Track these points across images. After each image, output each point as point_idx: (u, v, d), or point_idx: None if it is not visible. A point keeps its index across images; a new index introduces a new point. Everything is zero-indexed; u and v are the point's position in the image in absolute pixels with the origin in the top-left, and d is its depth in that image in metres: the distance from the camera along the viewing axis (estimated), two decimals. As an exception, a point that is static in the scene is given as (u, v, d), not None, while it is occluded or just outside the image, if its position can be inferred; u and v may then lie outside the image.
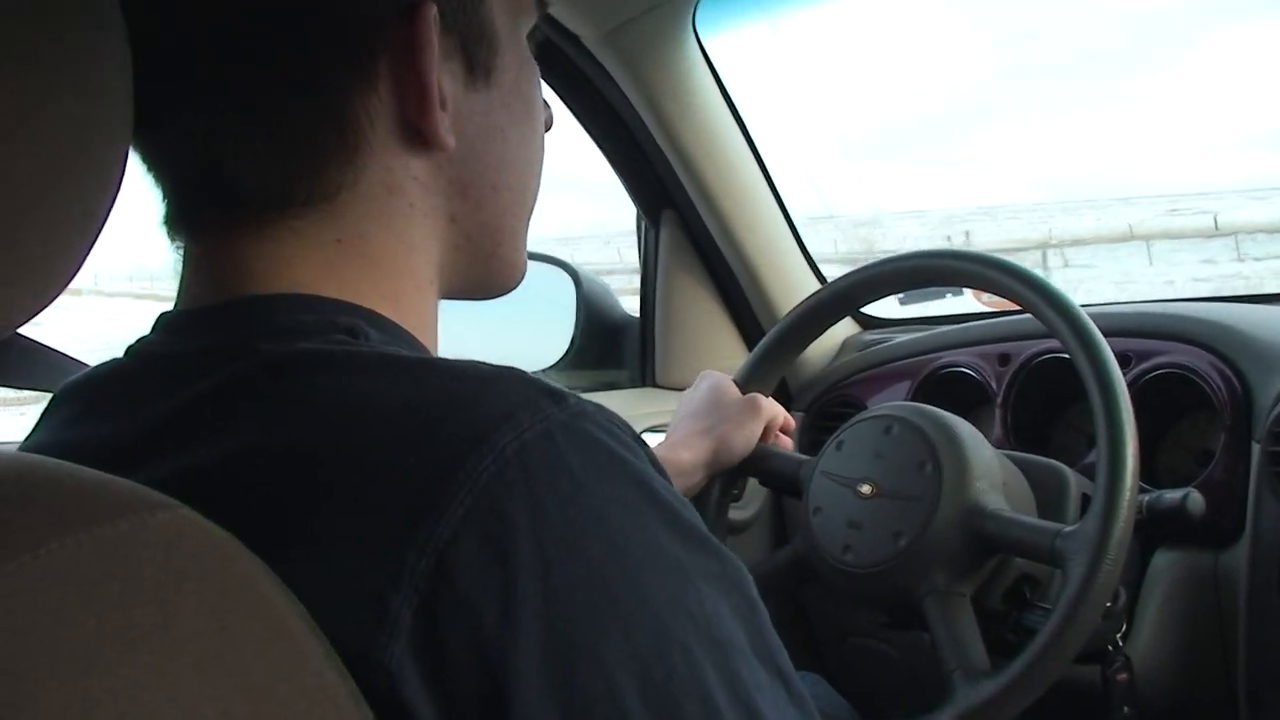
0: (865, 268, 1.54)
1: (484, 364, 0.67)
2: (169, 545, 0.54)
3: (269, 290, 0.73)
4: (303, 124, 0.72)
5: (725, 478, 1.56)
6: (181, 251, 0.78)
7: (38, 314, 0.62)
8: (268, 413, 0.66)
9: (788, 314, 1.59)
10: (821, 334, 1.63)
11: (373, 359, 0.68)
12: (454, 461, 0.60)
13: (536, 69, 0.86)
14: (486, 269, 0.85)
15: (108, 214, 0.63)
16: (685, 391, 1.58)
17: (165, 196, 0.77)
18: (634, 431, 0.68)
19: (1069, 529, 1.22)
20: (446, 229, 0.80)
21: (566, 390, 0.66)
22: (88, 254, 0.63)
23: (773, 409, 1.54)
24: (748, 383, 1.56)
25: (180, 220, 0.77)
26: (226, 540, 0.57)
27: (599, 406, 0.66)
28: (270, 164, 0.72)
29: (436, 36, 0.73)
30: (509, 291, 0.90)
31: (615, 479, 0.63)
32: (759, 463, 1.54)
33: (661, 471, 0.67)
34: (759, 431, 1.52)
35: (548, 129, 0.89)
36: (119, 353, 0.79)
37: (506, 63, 0.80)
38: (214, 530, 0.57)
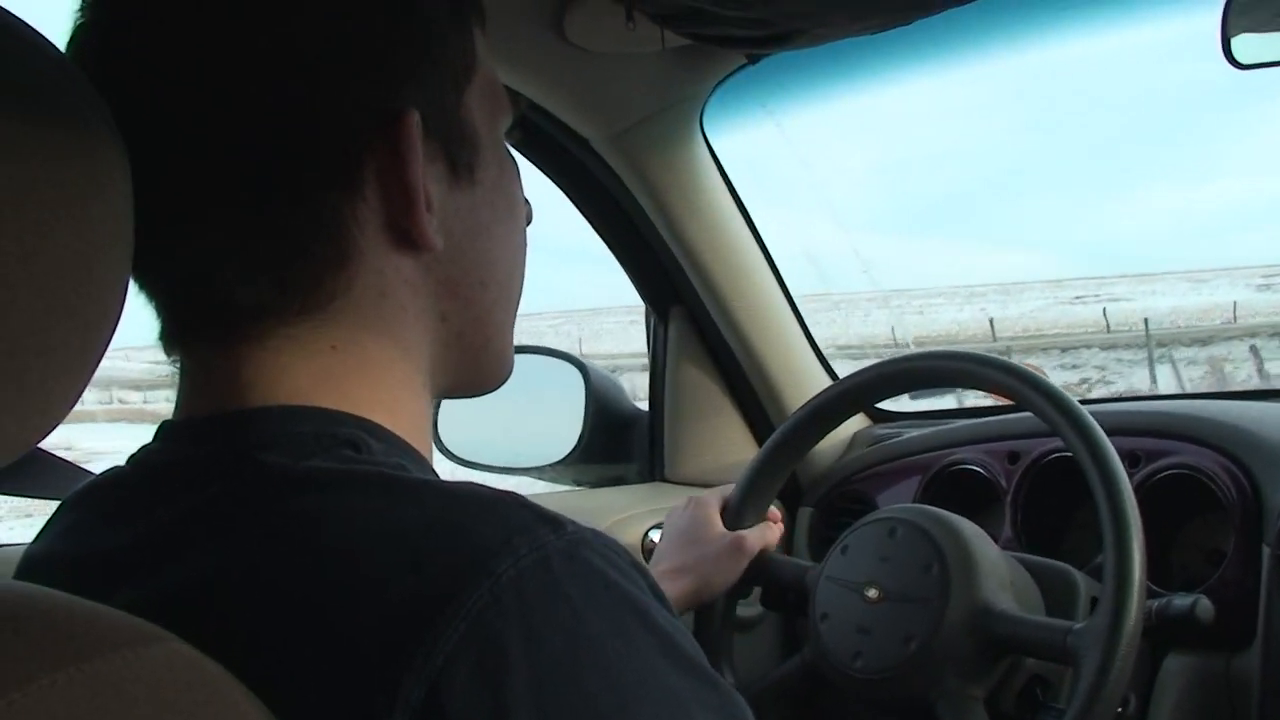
0: (869, 368, 1.54)
1: (483, 487, 0.67)
2: (160, 681, 0.54)
3: (266, 401, 0.73)
4: (293, 234, 0.73)
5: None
6: (178, 365, 0.78)
7: (38, 444, 0.61)
8: (265, 531, 0.66)
9: (783, 424, 1.60)
10: (826, 434, 1.62)
11: (374, 480, 0.68)
12: (449, 589, 0.59)
13: (516, 166, 0.87)
14: (477, 364, 0.86)
15: (107, 343, 0.63)
16: (671, 513, 1.58)
17: (158, 312, 0.77)
18: (632, 558, 0.67)
19: (1080, 625, 1.21)
20: (438, 328, 0.81)
21: (564, 517, 0.65)
22: (86, 383, 0.62)
23: (761, 541, 1.54)
24: (740, 508, 1.56)
25: (175, 334, 0.77)
26: (218, 674, 0.57)
27: (597, 533, 0.66)
28: (264, 276, 0.73)
29: (420, 141, 0.74)
30: (498, 386, 0.90)
31: (613, 608, 0.63)
32: (763, 571, 1.54)
33: (661, 597, 0.67)
34: (740, 571, 1.52)
35: (528, 223, 0.90)
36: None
37: (488, 161, 0.82)
38: (206, 664, 0.57)
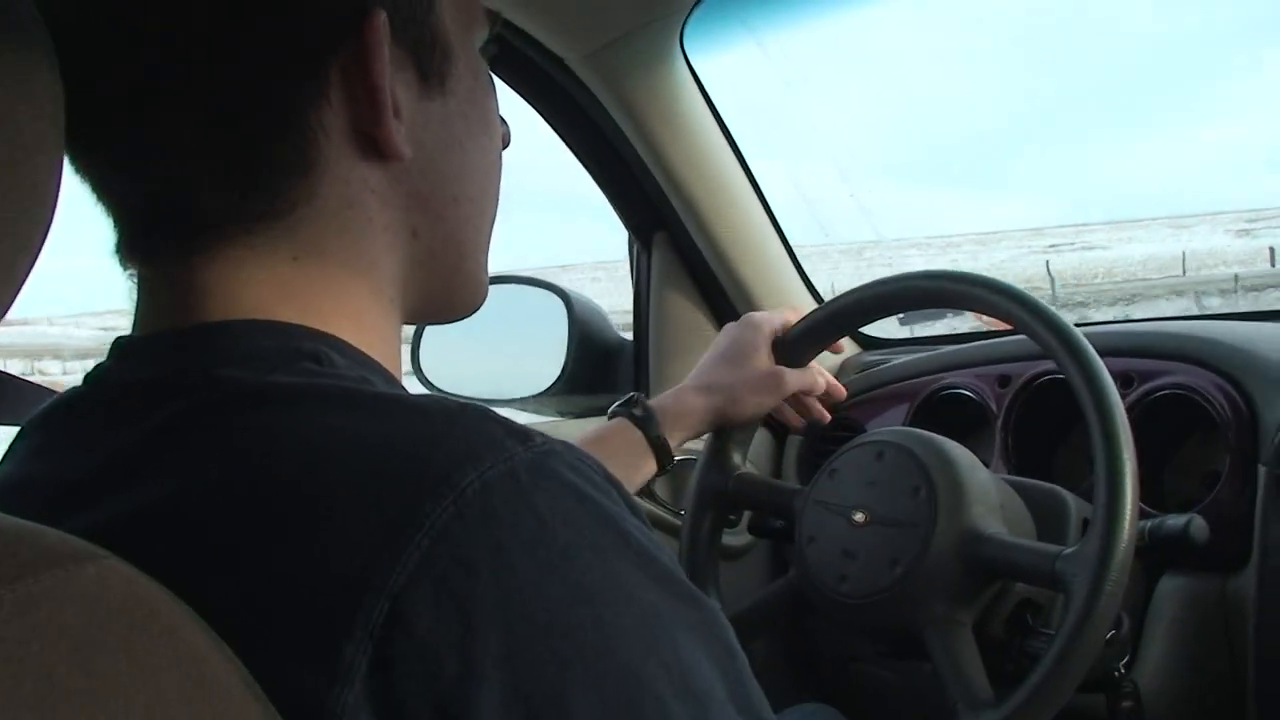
0: (861, 287, 1.51)
1: (449, 400, 0.65)
2: (94, 600, 0.52)
3: (227, 315, 0.71)
4: (255, 138, 0.70)
5: (716, 510, 1.54)
6: (135, 279, 0.76)
7: None
8: (225, 448, 0.64)
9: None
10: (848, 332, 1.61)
11: (335, 393, 0.66)
12: (412, 503, 0.57)
13: (492, 82, 0.85)
14: (449, 286, 0.84)
15: (39, 249, 0.61)
16: (727, 326, 1.56)
17: (116, 223, 0.75)
18: (606, 471, 0.65)
19: (1069, 550, 1.19)
20: (408, 244, 0.79)
21: (533, 429, 0.63)
22: (15, 295, 0.60)
23: (800, 383, 1.51)
24: (792, 343, 1.52)
25: (132, 246, 0.75)
26: (156, 592, 0.54)
27: (568, 445, 0.64)
28: (224, 181, 0.70)
29: (386, 43, 0.71)
30: (472, 312, 0.88)
31: (584, 521, 0.61)
32: (750, 493, 1.52)
33: (636, 511, 0.65)
34: (771, 406, 1.51)
35: (505, 145, 0.88)
36: None
37: (460, 72, 0.79)
38: (142, 581, 0.54)
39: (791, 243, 2.09)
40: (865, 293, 1.49)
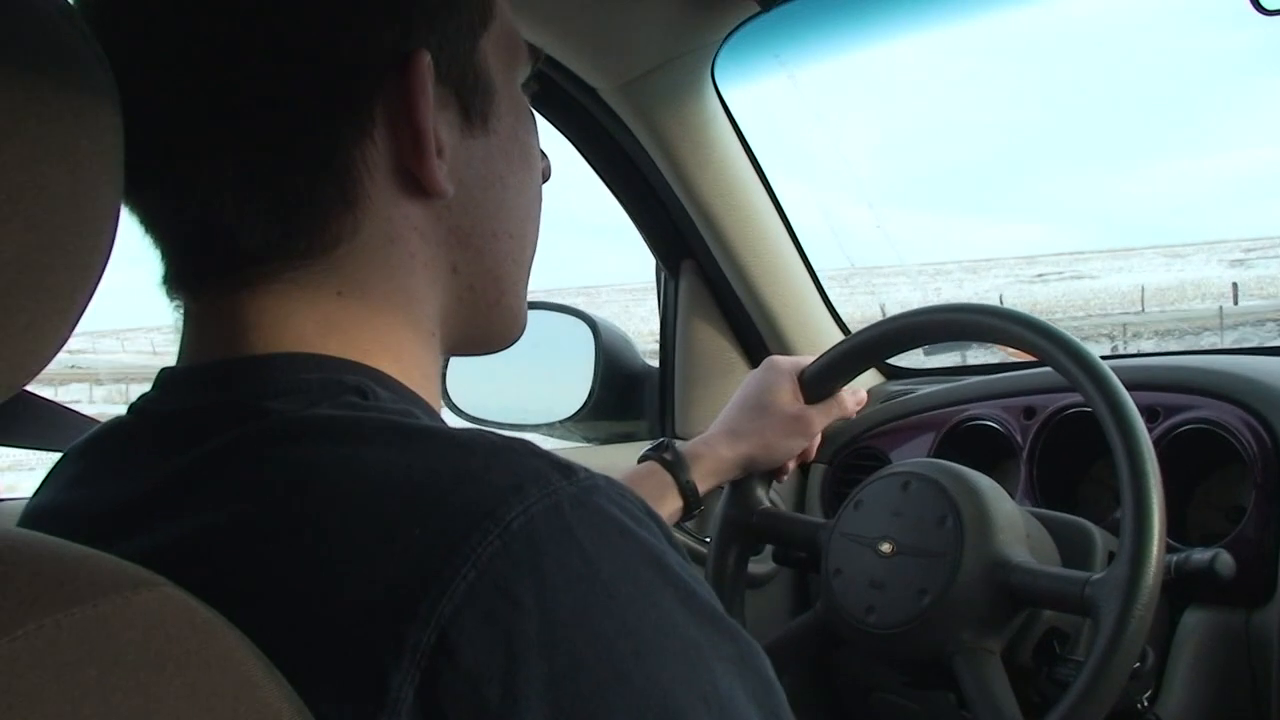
0: (890, 319, 1.52)
1: (492, 434, 0.66)
2: (151, 626, 0.53)
3: (271, 348, 0.73)
4: (301, 176, 0.72)
5: (740, 544, 1.54)
6: (182, 310, 0.78)
7: (27, 383, 0.61)
8: (273, 479, 0.65)
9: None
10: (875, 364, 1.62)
11: (381, 427, 0.67)
12: (459, 536, 0.59)
13: (533, 117, 0.86)
14: (489, 320, 0.85)
15: (98, 280, 0.62)
16: (750, 374, 1.57)
17: (164, 255, 0.76)
18: (646, 505, 0.66)
19: (1098, 576, 1.20)
20: (449, 279, 0.80)
21: (576, 464, 0.65)
22: (77, 321, 0.62)
23: (828, 418, 1.55)
24: (812, 381, 1.54)
25: (179, 278, 0.76)
26: (211, 619, 0.56)
27: (610, 480, 0.65)
28: (270, 218, 0.72)
29: (430, 83, 0.73)
30: (509, 345, 0.89)
31: (627, 555, 0.62)
32: (774, 527, 1.53)
33: (676, 546, 0.66)
34: (801, 449, 1.54)
35: (545, 179, 0.89)
36: None
37: (502, 110, 0.81)
38: (198, 609, 0.56)
39: (816, 269, 2.09)
40: (889, 326, 1.50)
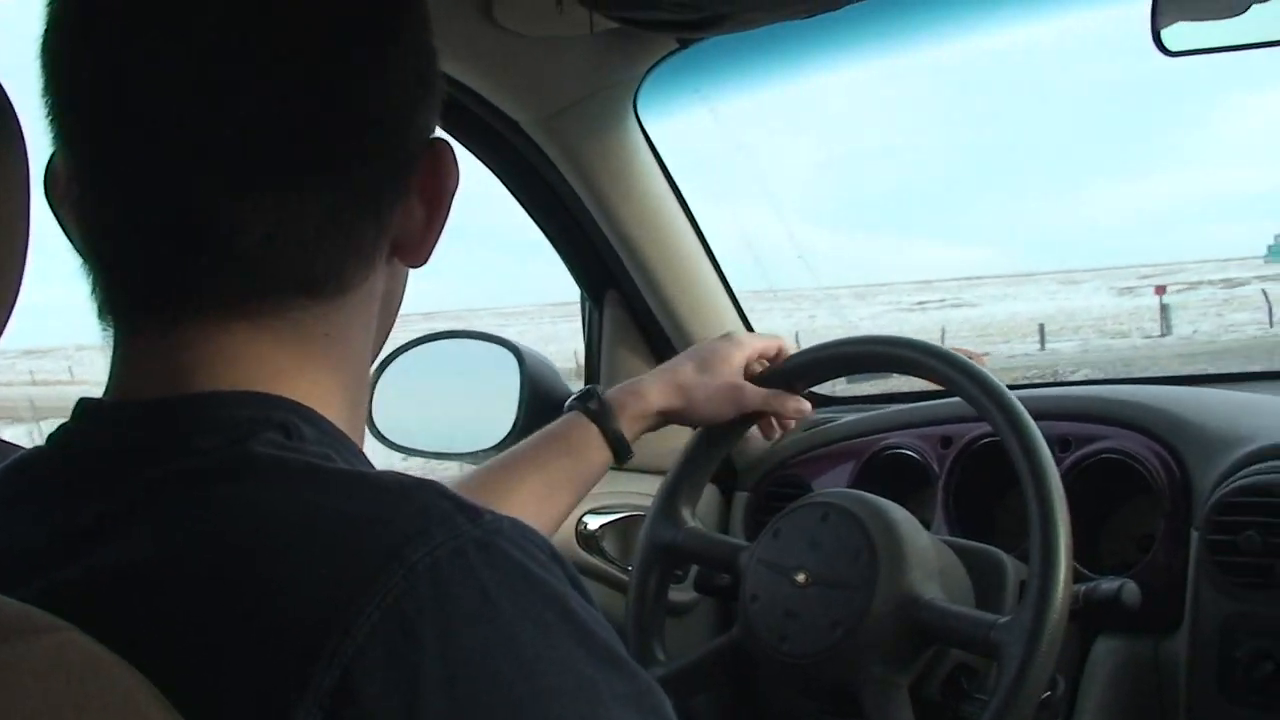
0: (805, 351, 1.54)
1: (404, 476, 0.67)
2: (51, 671, 0.53)
3: (211, 384, 0.73)
4: (371, 226, 0.76)
5: (664, 565, 1.55)
6: (113, 340, 0.77)
7: None
8: (188, 519, 0.65)
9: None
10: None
11: (296, 468, 0.68)
12: (364, 576, 0.59)
13: None
14: (365, 374, 0.87)
15: (9, 311, 0.65)
16: (712, 338, 1.60)
17: (110, 284, 0.75)
18: (551, 548, 0.67)
19: (1003, 620, 1.22)
20: (372, 335, 0.83)
21: (483, 507, 0.66)
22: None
23: (762, 404, 1.55)
24: (770, 375, 1.56)
25: (130, 308, 0.75)
26: (114, 664, 0.56)
27: (515, 522, 0.66)
28: (316, 257, 0.74)
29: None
30: None
31: (528, 597, 0.63)
32: (698, 547, 1.54)
33: (579, 587, 0.67)
34: (727, 417, 1.55)
35: None
36: None
37: None
38: (101, 654, 0.56)
39: (735, 290, 2.11)
40: (832, 350, 1.53)
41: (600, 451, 1.45)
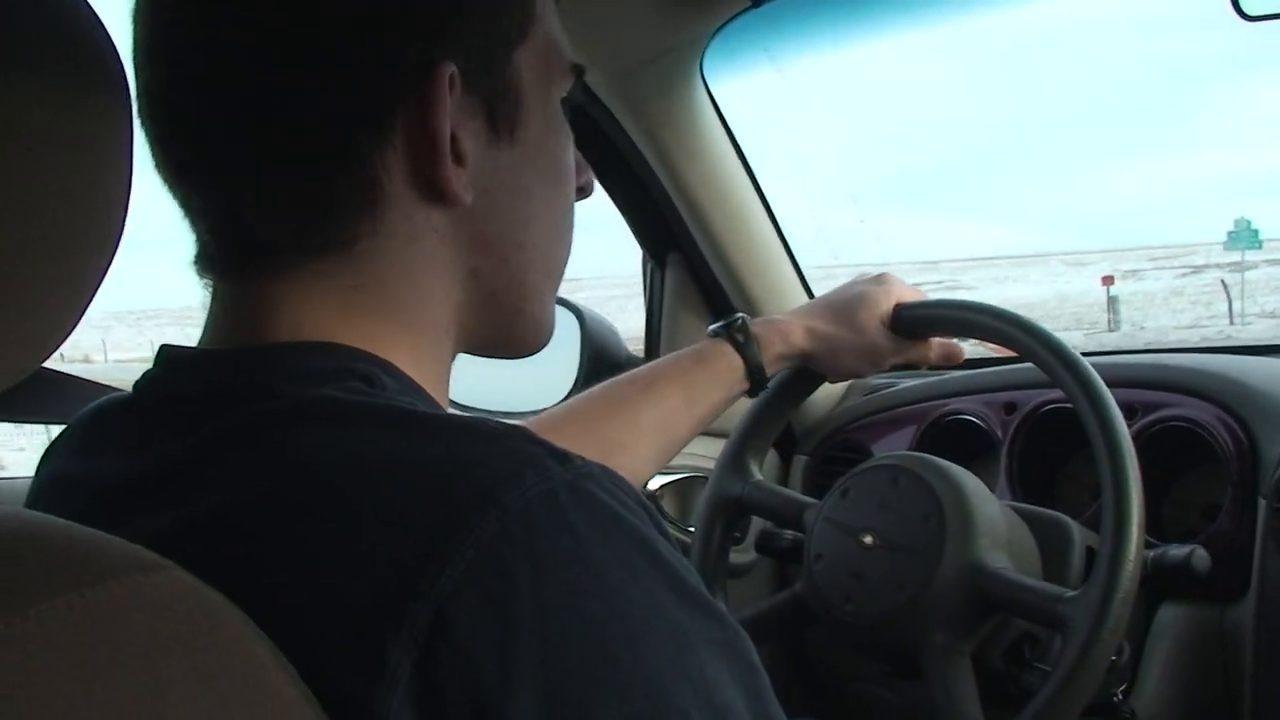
0: (918, 304, 1.51)
1: (493, 422, 0.68)
2: (160, 608, 0.54)
3: (287, 335, 0.74)
4: (319, 175, 0.73)
5: (727, 518, 1.55)
6: (210, 289, 0.79)
7: (36, 368, 0.62)
8: (275, 461, 0.66)
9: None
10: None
11: (386, 412, 0.69)
12: (459, 518, 0.60)
13: (568, 132, 0.87)
14: (511, 326, 0.86)
15: (107, 268, 0.63)
16: (860, 277, 1.53)
17: (196, 238, 0.78)
18: (638, 494, 0.67)
19: (1071, 594, 1.22)
20: (469, 283, 0.81)
21: (573, 453, 0.66)
22: (84, 309, 0.63)
23: (898, 355, 1.51)
24: (906, 318, 1.48)
25: (207, 261, 0.78)
26: (219, 603, 0.57)
27: (604, 469, 0.66)
28: (288, 212, 0.74)
29: (454, 94, 0.74)
30: (536, 351, 0.90)
31: (618, 540, 0.63)
32: (764, 500, 1.53)
33: (666, 534, 0.67)
34: (863, 373, 1.53)
35: (584, 194, 0.91)
36: None
37: (532, 121, 0.81)
38: (207, 592, 0.57)
39: (801, 265, 2.11)
40: (950, 311, 1.49)
41: (739, 382, 1.42)
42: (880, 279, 1.51)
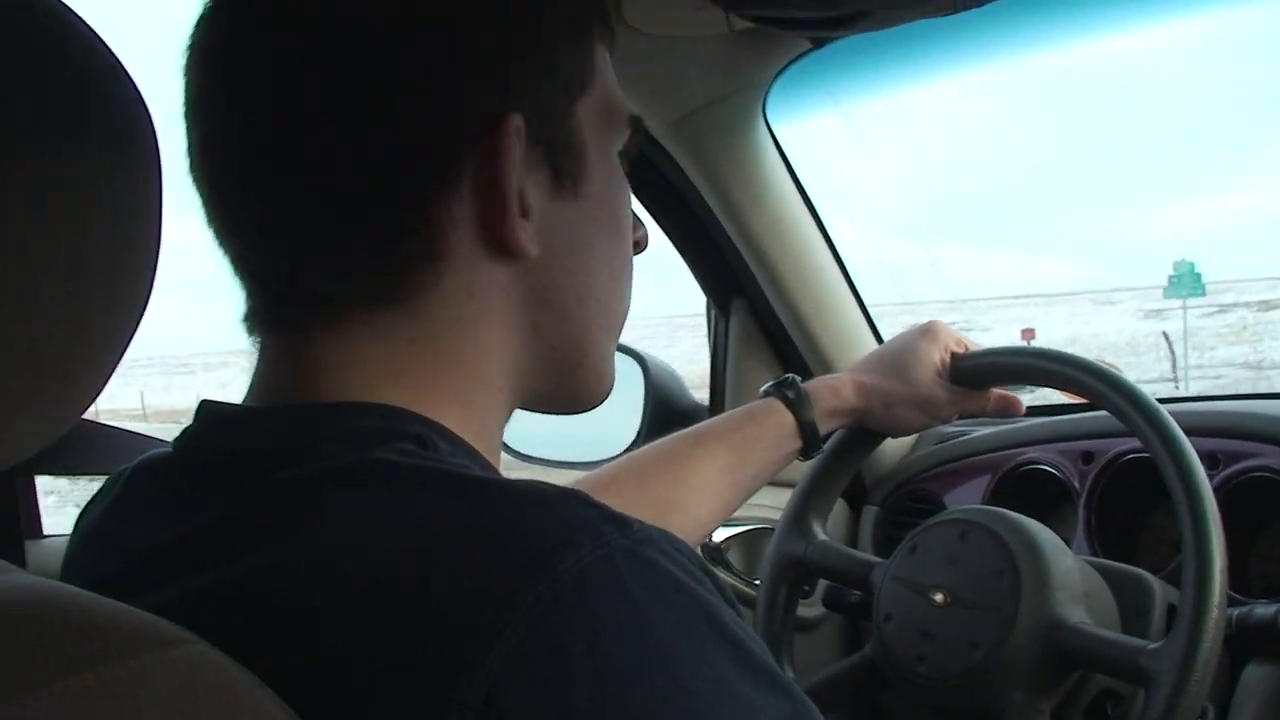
0: (976, 354, 1.49)
1: (547, 485, 0.65)
2: (181, 685, 0.53)
3: (337, 394, 0.73)
4: (384, 227, 0.73)
5: (793, 580, 1.52)
6: (258, 348, 0.78)
7: (73, 422, 0.62)
8: (323, 524, 0.65)
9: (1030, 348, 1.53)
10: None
11: (437, 475, 0.67)
12: (509, 587, 0.58)
13: (627, 185, 0.87)
14: (573, 381, 0.85)
15: (135, 329, 0.63)
16: (908, 329, 1.53)
17: (247, 293, 0.77)
18: (701, 559, 0.65)
19: (1154, 646, 1.17)
20: (529, 336, 0.80)
21: (631, 517, 0.64)
22: (113, 369, 0.63)
23: (961, 409, 1.50)
24: (964, 367, 1.47)
25: (257, 317, 0.77)
26: (241, 678, 0.55)
27: (665, 533, 0.64)
28: (348, 266, 0.73)
29: (519, 145, 0.74)
30: (595, 406, 0.89)
31: (681, 609, 0.61)
32: (828, 562, 1.51)
33: (731, 603, 0.65)
34: (921, 428, 1.52)
35: (641, 249, 0.90)
36: None
37: (594, 175, 0.81)
38: (229, 667, 0.55)
39: (867, 303, 2.08)
40: (1012, 358, 1.48)
41: (792, 440, 1.41)
42: (927, 329, 1.50)
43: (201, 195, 0.75)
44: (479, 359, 0.78)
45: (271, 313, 0.76)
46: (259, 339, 0.78)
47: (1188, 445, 1.22)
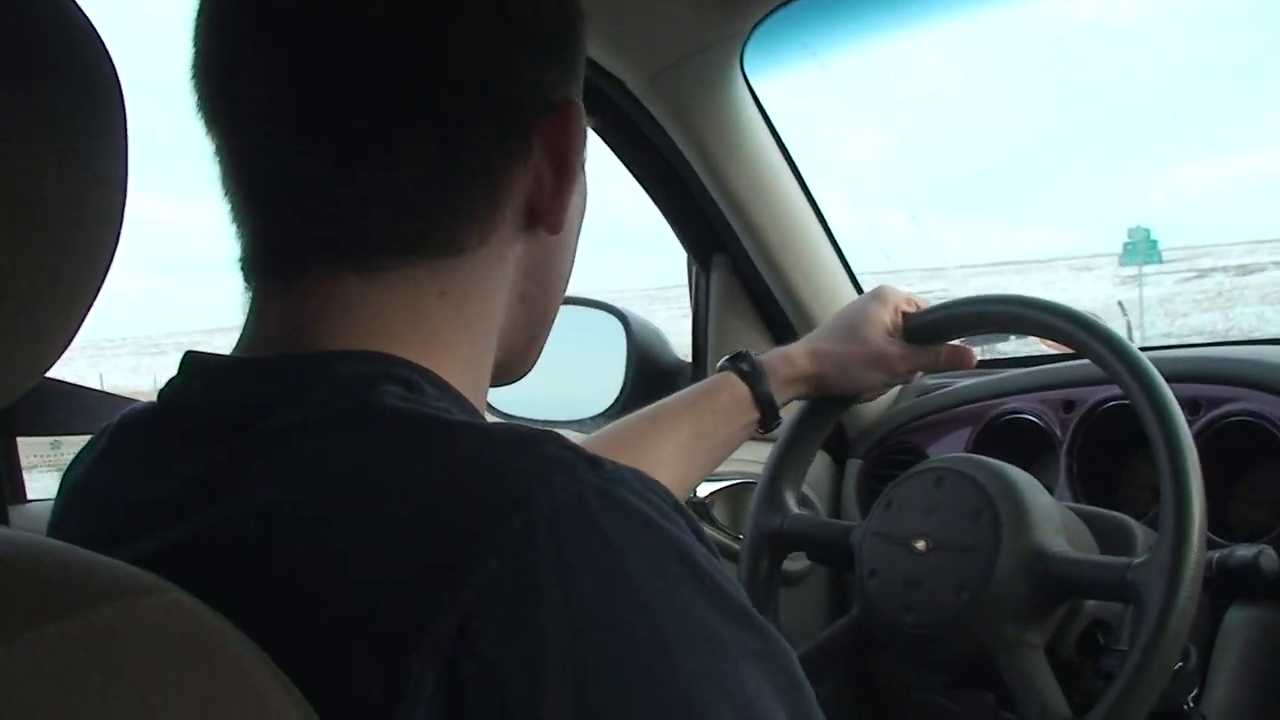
0: (925, 311, 1.50)
1: (524, 427, 0.66)
2: (155, 633, 0.52)
3: (336, 344, 0.73)
4: (463, 183, 0.75)
5: (772, 552, 1.54)
6: (252, 295, 0.78)
7: (34, 382, 0.61)
8: (302, 469, 0.65)
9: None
10: None
11: (415, 418, 0.67)
12: (483, 524, 0.59)
13: None
14: (525, 354, 0.88)
15: (102, 281, 0.62)
16: (858, 297, 1.56)
17: (259, 231, 0.77)
18: (675, 499, 0.66)
19: (1140, 560, 1.18)
20: (516, 307, 0.83)
21: (604, 457, 0.65)
22: (83, 320, 0.62)
23: (911, 363, 1.51)
24: (917, 324, 1.49)
25: (261, 257, 0.77)
26: (219, 625, 0.55)
27: (637, 473, 0.65)
28: (423, 213, 0.74)
29: (582, 126, 0.79)
30: (518, 380, 0.91)
31: (653, 547, 0.62)
32: (805, 534, 1.51)
33: (703, 539, 0.65)
34: (878, 385, 1.53)
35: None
36: None
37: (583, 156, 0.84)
38: (206, 616, 0.55)
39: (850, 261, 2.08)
40: (972, 307, 1.48)
41: (749, 413, 1.44)
42: (876, 293, 1.53)
43: (219, 124, 0.75)
44: (487, 320, 0.80)
45: (277, 253, 0.76)
46: (252, 285, 0.77)
47: (1166, 390, 1.22)
